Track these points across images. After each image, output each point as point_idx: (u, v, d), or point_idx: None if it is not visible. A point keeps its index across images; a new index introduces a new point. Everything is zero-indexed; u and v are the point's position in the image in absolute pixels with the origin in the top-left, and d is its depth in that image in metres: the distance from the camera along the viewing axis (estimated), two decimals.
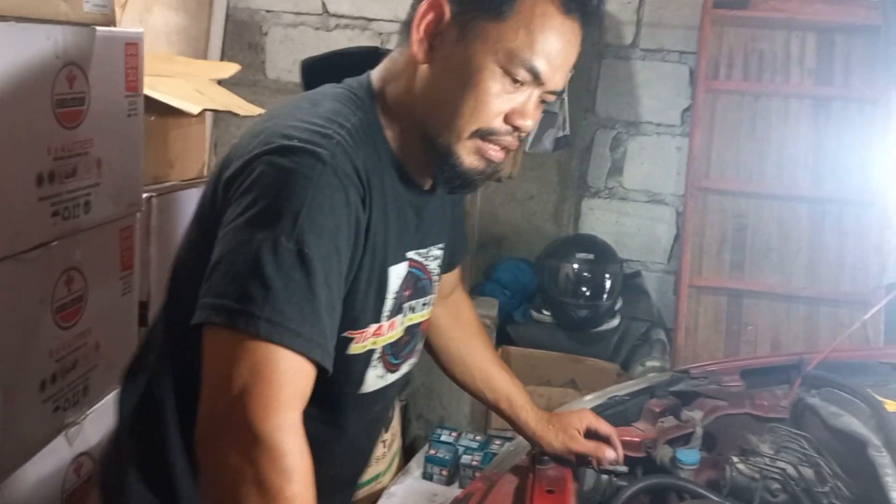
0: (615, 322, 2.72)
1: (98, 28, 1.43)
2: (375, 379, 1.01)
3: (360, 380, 0.99)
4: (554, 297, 2.69)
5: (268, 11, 3.12)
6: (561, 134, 2.60)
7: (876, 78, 2.59)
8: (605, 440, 1.20)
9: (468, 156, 0.92)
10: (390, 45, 1.08)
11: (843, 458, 1.15)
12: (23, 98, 1.26)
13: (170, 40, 2.72)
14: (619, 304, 2.74)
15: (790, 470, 1.15)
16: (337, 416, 1.00)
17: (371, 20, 3.06)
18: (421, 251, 1.02)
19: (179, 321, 0.92)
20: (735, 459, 1.19)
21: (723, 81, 2.71)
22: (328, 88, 0.96)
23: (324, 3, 3.09)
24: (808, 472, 1.15)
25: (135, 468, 0.99)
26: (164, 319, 1.02)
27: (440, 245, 1.07)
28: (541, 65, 0.89)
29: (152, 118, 1.79)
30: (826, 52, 2.68)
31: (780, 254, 2.62)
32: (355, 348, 0.95)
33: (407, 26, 0.93)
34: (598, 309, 2.66)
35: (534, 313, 2.77)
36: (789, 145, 2.65)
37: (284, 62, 3.13)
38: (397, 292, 0.98)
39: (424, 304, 1.07)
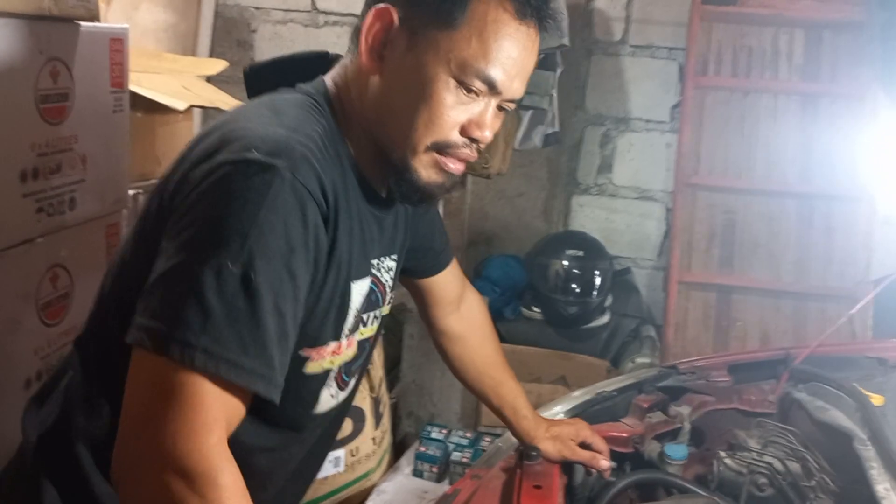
0: (605, 319, 2.73)
1: (82, 23, 1.42)
2: (328, 398, 0.96)
3: (314, 400, 0.94)
4: (544, 294, 2.69)
5: (257, 8, 3.11)
6: (550, 130, 2.59)
7: (862, 74, 2.61)
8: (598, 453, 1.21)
9: (425, 170, 0.88)
10: None
11: (830, 452, 1.16)
12: (5, 93, 1.26)
13: (158, 38, 2.70)
14: (608, 301, 2.74)
15: (777, 464, 1.16)
16: (284, 438, 0.94)
17: None
18: (374, 262, 0.97)
19: (108, 340, 0.86)
20: (722, 454, 1.20)
21: (711, 78, 2.72)
22: (287, 94, 0.90)
23: (313, 0, 3.07)
24: (795, 467, 1.15)
25: (49, 485, 0.90)
26: (89, 340, 0.93)
27: (393, 256, 1.02)
28: (496, 74, 0.84)
29: (139, 114, 1.78)
30: (813, 49, 2.69)
31: (769, 249, 2.64)
32: (312, 367, 0.90)
33: (356, 33, 0.89)
34: (588, 306, 2.66)
35: (523, 310, 2.77)
36: (777, 141, 2.66)
37: None
38: (359, 308, 0.93)
39: (375, 318, 1.01)
